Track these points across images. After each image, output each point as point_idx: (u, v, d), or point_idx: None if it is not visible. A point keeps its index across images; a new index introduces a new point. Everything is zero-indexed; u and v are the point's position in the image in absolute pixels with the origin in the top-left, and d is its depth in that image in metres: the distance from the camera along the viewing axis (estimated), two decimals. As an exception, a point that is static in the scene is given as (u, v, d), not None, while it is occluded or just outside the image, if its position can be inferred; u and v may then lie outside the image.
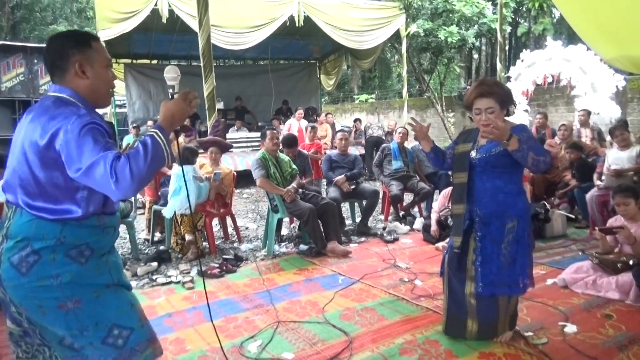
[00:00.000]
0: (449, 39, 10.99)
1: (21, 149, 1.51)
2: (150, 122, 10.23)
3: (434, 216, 4.85)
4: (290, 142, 5.30)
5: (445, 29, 11.03)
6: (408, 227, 5.34)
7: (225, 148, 5.05)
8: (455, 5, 11.29)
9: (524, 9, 21.75)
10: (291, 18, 8.96)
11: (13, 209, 1.53)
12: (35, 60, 9.40)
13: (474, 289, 2.52)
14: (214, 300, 3.43)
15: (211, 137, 4.72)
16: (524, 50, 9.68)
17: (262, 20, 8.87)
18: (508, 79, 9.30)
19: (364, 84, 27.67)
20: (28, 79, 9.31)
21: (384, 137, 10.46)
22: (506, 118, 2.53)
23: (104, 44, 1.67)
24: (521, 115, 9.08)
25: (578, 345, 2.53)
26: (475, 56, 26.63)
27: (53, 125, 1.45)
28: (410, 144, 6.48)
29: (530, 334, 2.68)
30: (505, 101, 2.45)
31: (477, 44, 19.18)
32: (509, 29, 15.52)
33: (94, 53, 1.60)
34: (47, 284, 1.49)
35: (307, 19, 9.10)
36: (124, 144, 10.22)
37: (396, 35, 10.51)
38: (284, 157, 4.92)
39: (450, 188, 3.25)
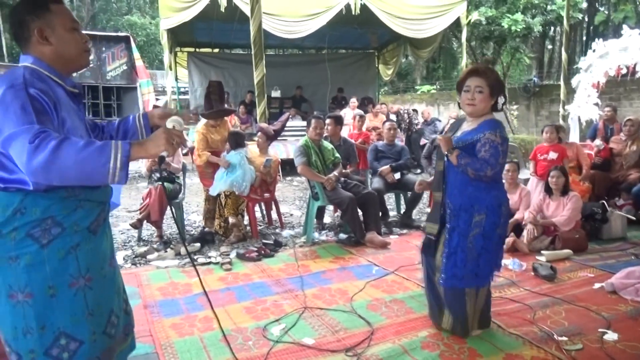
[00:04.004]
0: (513, 28, 10.43)
1: None
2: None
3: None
4: (338, 118, 5.32)
5: (509, 17, 10.47)
6: (453, 222, 5.18)
7: (270, 137, 5.11)
8: (522, -8, 10.72)
9: (603, -5, 20.30)
10: (347, 6, 8.86)
11: None
12: (103, 48, 10.04)
13: (438, 280, 2.55)
14: (248, 282, 3.52)
15: (262, 125, 4.75)
16: (600, 39, 9.00)
17: (317, 9, 8.86)
18: (577, 70, 8.71)
19: (427, 75, 26.98)
20: (96, 66, 9.92)
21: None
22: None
23: (66, 6, 1.59)
24: (591, 109, 8.48)
25: (616, 355, 2.36)
26: (550, 46, 25.13)
27: None
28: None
29: (564, 338, 2.53)
30: (495, 88, 2.42)
31: (551, 33, 18.06)
32: (580, 16, 14.49)
33: (54, 16, 1.52)
34: (4, 266, 1.40)
35: (364, 7, 8.96)
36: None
37: (456, 24, 10.14)
38: (327, 145, 4.91)
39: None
